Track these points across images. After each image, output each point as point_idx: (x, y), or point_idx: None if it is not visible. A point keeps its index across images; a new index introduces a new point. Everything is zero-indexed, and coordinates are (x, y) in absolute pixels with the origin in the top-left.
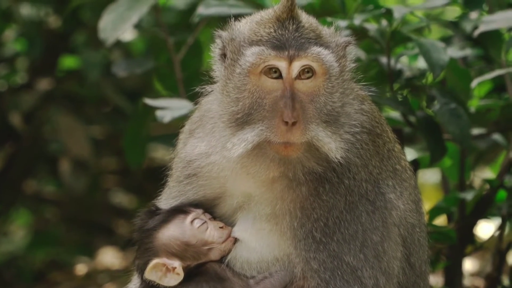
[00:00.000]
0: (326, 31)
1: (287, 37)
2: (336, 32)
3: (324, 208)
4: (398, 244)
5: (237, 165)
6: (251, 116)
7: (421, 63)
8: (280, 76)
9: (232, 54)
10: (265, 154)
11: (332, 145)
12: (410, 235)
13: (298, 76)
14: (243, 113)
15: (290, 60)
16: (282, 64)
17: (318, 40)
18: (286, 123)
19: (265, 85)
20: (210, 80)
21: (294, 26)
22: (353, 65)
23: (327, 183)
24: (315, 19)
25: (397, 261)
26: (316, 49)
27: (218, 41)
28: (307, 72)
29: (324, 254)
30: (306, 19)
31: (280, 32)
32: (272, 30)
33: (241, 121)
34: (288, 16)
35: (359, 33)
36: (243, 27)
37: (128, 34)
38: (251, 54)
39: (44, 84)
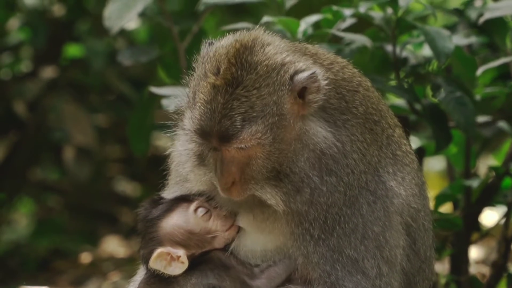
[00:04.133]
0: (269, 84)
1: (213, 121)
2: (295, 72)
3: (322, 207)
4: (400, 232)
5: None
6: (205, 159)
7: (426, 51)
8: None
9: (189, 91)
10: None
11: (273, 201)
12: (415, 220)
13: None
14: (198, 152)
15: (215, 148)
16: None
17: (249, 113)
18: None
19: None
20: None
21: (226, 96)
22: (320, 97)
23: (324, 185)
24: (265, 61)
25: (400, 249)
26: (238, 140)
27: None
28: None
29: (323, 249)
30: (245, 77)
31: (209, 107)
32: (205, 97)
33: (200, 157)
34: (222, 84)
35: (364, 21)
36: (201, 66)
37: (132, 23)
38: (186, 121)
39: (48, 73)
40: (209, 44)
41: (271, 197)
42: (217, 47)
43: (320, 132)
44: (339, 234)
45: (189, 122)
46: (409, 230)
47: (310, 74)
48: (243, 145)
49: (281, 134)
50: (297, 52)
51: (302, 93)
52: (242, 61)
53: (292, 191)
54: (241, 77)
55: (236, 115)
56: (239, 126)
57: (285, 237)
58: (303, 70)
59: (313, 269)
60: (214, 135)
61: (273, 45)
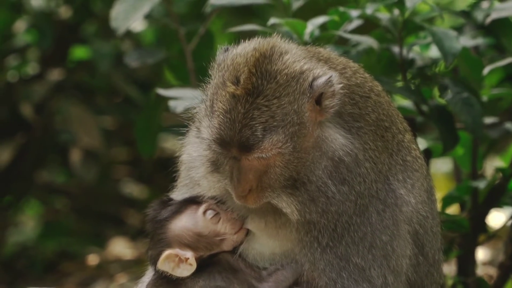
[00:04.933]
0: (289, 93)
1: (233, 131)
2: (313, 81)
3: (333, 216)
4: (407, 241)
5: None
6: (220, 166)
7: (433, 52)
8: None
9: (206, 99)
10: None
11: (288, 210)
12: (423, 227)
13: None
14: (213, 159)
15: (235, 157)
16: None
17: (269, 122)
18: None
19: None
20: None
21: (247, 106)
22: (336, 101)
23: (337, 194)
24: (284, 70)
25: (406, 259)
26: (259, 149)
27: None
28: None
29: (330, 256)
30: (266, 86)
31: (229, 116)
32: (225, 107)
33: (214, 164)
34: (243, 93)
35: (371, 23)
36: (219, 75)
37: (138, 24)
38: (204, 130)
39: (55, 75)
40: (225, 51)
41: (287, 205)
42: (234, 55)
43: (338, 139)
44: (348, 242)
45: (207, 131)
46: (417, 237)
47: (327, 79)
48: (264, 155)
49: (301, 143)
50: (312, 58)
51: (319, 99)
52: (262, 70)
53: (308, 200)
54: (261, 86)
55: (257, 125)
56: (260, 136)
57: (292, 244)
58: (320, 76)
59: (319, 276)
60: (235, 145)
61: (290, 53)
